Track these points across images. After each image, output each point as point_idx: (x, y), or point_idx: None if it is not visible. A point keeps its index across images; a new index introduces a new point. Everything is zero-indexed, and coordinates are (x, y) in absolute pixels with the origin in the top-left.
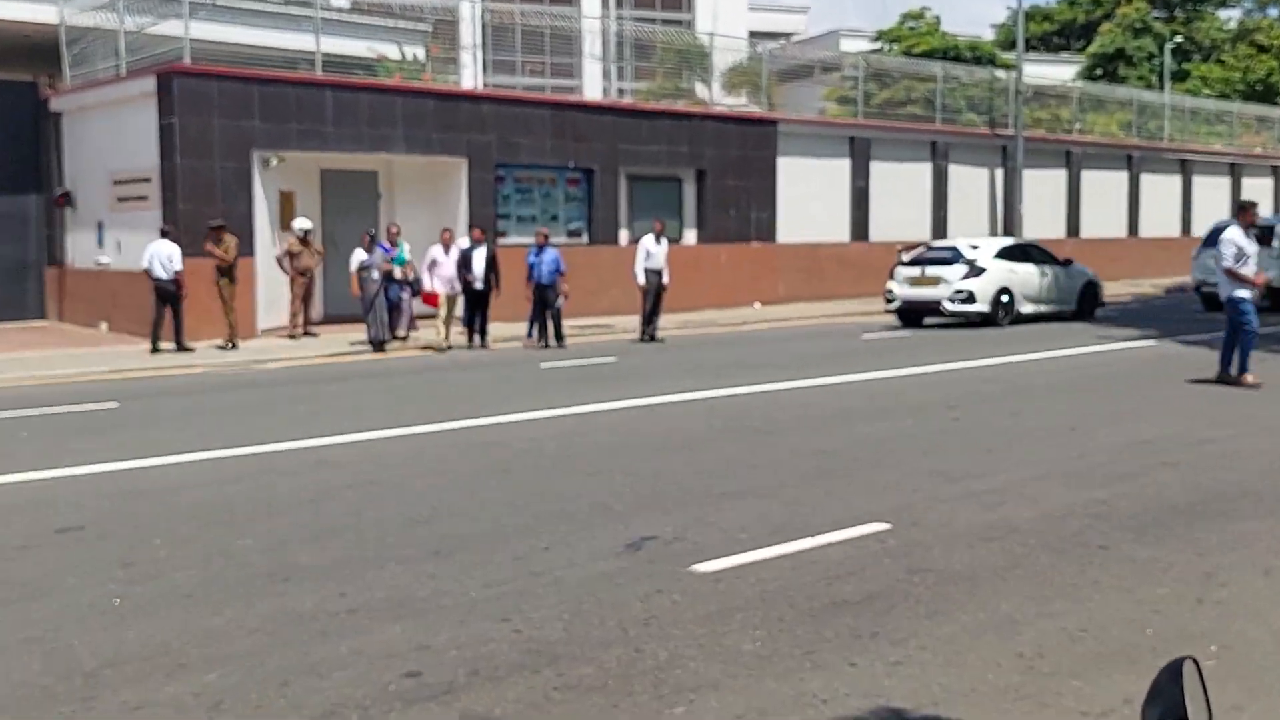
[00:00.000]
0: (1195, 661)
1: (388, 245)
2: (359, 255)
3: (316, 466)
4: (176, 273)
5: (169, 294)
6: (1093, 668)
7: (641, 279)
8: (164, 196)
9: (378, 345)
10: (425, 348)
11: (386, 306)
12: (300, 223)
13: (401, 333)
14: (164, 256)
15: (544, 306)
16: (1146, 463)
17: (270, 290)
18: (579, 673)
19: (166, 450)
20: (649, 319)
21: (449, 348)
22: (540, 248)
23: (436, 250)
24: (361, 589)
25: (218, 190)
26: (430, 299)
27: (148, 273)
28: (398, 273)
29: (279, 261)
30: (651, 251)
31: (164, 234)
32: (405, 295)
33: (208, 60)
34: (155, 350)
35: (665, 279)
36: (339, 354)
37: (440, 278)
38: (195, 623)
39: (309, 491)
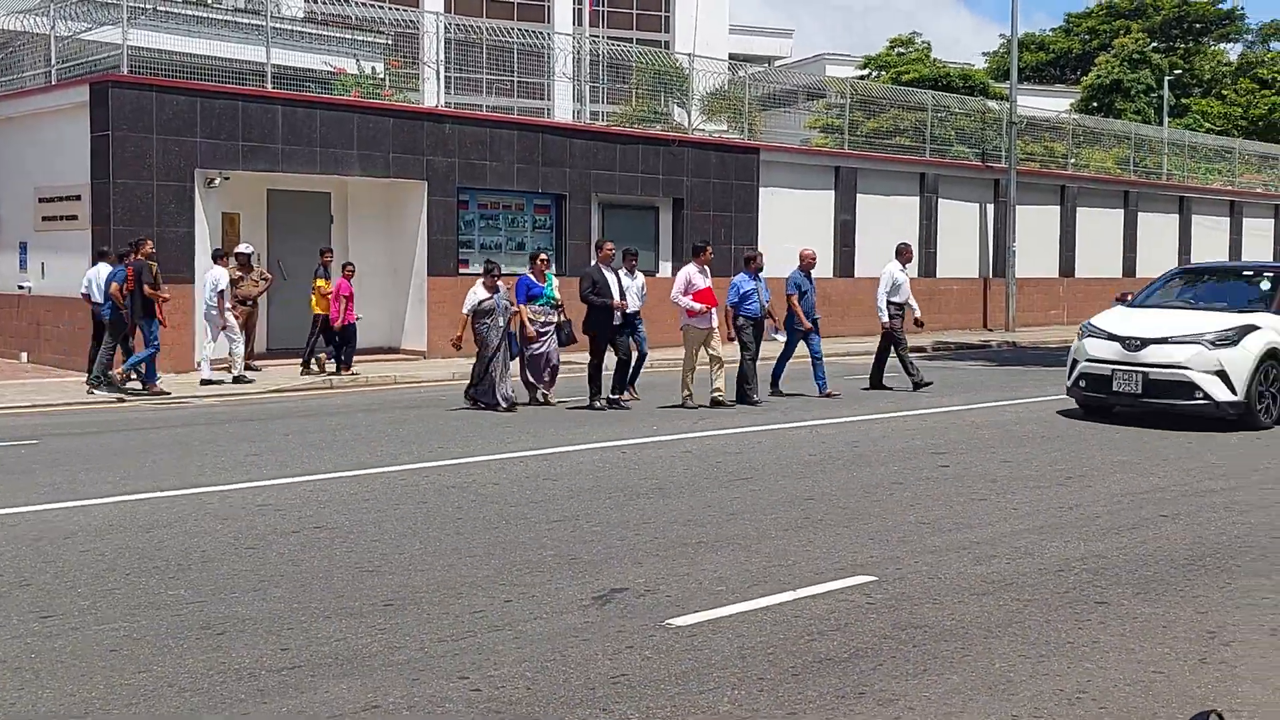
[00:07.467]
0: (1219, 716)
1: (532, 279)
2: (478, 294)
3: (258, 510)
4: None
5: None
6: None
7: (885, 316)
8: (95, 217)
9: (506, 406)
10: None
11: (513, 357)
12: (241, 247)
13: (549, 395)
14: (103, 281)
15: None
16: (1145, 515)
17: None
18: None
19: (92, 492)
20: (882, 362)
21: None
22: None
23: (691, 270)
24: (305, 643)
25: (155, 211)
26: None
27: (86, 297)
28: (552, 315)
29: None
30: (899, 281)
31: (102, 255)
32: (553, 344)
33: (147, 70)
34: (93, 381)
35: (918, 314)
36: (283, 390)
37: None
38: (120, 680)
39: (248, 537)
